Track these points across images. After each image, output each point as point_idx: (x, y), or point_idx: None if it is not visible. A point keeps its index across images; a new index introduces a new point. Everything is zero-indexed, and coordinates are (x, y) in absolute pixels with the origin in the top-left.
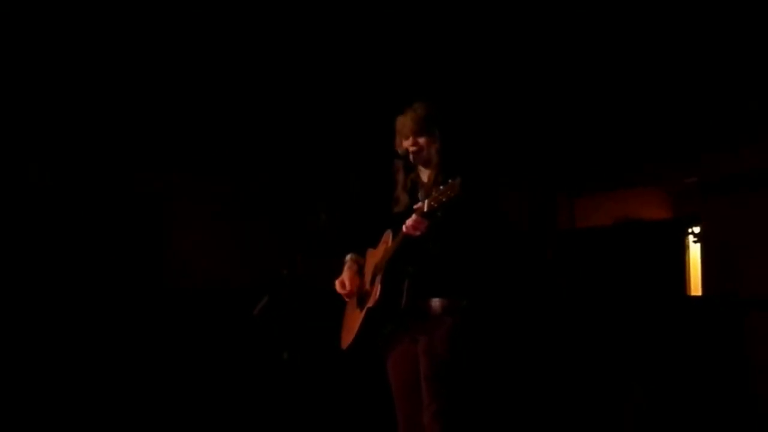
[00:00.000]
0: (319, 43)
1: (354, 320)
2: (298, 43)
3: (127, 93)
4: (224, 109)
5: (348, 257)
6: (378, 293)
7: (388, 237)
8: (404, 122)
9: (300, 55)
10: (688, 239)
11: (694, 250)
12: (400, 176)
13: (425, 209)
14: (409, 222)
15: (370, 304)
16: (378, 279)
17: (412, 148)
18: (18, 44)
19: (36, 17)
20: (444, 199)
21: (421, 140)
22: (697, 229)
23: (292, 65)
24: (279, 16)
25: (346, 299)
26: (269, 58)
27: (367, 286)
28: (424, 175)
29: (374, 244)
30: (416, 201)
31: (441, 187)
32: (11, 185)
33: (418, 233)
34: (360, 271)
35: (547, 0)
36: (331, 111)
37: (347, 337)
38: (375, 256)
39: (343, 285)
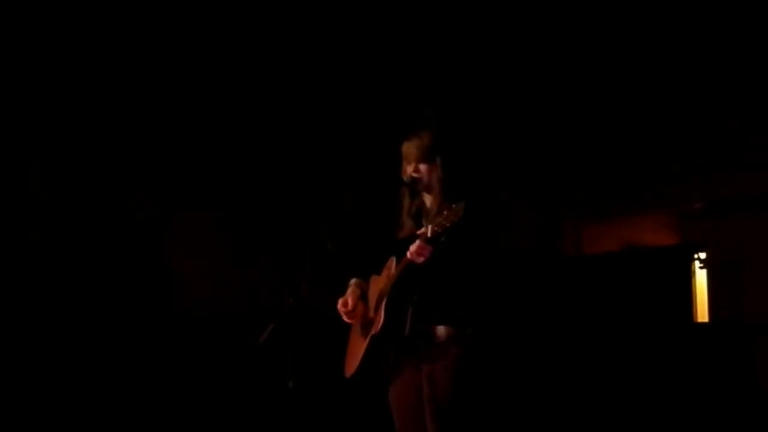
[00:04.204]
0: (323, 56)
1: (358, 348)
2: (301, 56)
3: (127, 115)
4: (226, 132)
5: (352, 282)
6: (382, 320)
7: (391, 263)
8: (408, 148)
9: (300, 70)
10: (694, 265)
11: (701, 276)
12: (406, 201)
13: (429, 235)
14: (412, 248)
15: (374, 331)
16: (382, 306)
17: (413, 175)
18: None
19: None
20: (447, 225)
21: (423, 167)
22: (703, 255)
23: (291, 82)
24: (282, 29)
25: (348, 320)
26: (268, 76)
27: (371, 313)
28: (428, 200)
29: (378, 270)
30: (421, 226)
31: (444, 213)
32: (9, 204)
33: (422, 259)
34: (363, 297)
35: (553, 19)
36: (333, 133)
37: (351, 365)
38: (378, 283)
39: (345, 304)
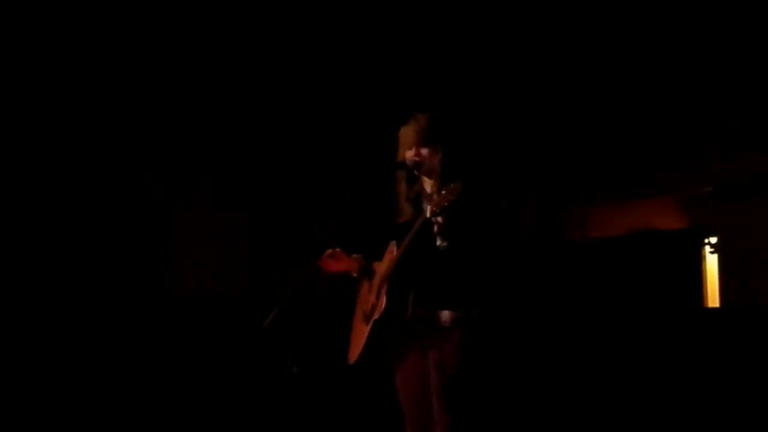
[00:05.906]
0: (319, 51)
1: (361, 334)
2: (298, 50)
3: (133, 101)
4: (227, 121)
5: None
6: (383, 305)
7: (392, 248)
8: (407, 133)
9: (298, 64)
10: (704, 249)
11: (711, 261)
12: (403, 187)
13: (428, 215)
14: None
15: (375, 316)
16: (384, 290)
17: (415, 159)
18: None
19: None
20: (445, 203)
21: (424, 151)
22: (713, 239)
23: (290, 75)
24: (281, 24)
25: (326, 261)
26: (266, 68)
27: (374, 298)
28: (427, 185)
29: (379, 257)
30: (420, 211)
31: (443, 192)
32: (12, 187)
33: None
34: (366, 273)
35: (558, 8)
36: (330, 120)
37: (355, 351)
38: (381, 268)
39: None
